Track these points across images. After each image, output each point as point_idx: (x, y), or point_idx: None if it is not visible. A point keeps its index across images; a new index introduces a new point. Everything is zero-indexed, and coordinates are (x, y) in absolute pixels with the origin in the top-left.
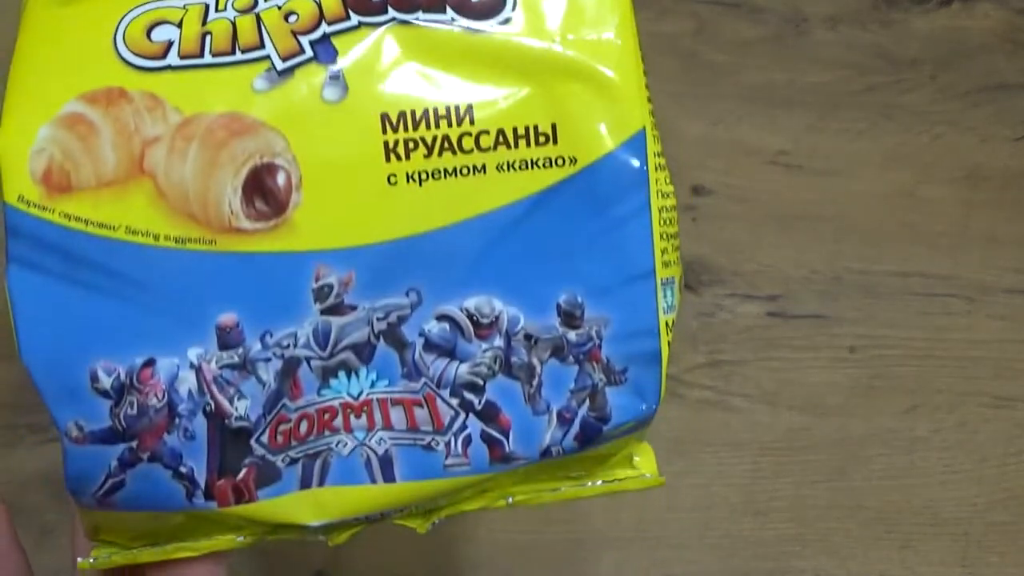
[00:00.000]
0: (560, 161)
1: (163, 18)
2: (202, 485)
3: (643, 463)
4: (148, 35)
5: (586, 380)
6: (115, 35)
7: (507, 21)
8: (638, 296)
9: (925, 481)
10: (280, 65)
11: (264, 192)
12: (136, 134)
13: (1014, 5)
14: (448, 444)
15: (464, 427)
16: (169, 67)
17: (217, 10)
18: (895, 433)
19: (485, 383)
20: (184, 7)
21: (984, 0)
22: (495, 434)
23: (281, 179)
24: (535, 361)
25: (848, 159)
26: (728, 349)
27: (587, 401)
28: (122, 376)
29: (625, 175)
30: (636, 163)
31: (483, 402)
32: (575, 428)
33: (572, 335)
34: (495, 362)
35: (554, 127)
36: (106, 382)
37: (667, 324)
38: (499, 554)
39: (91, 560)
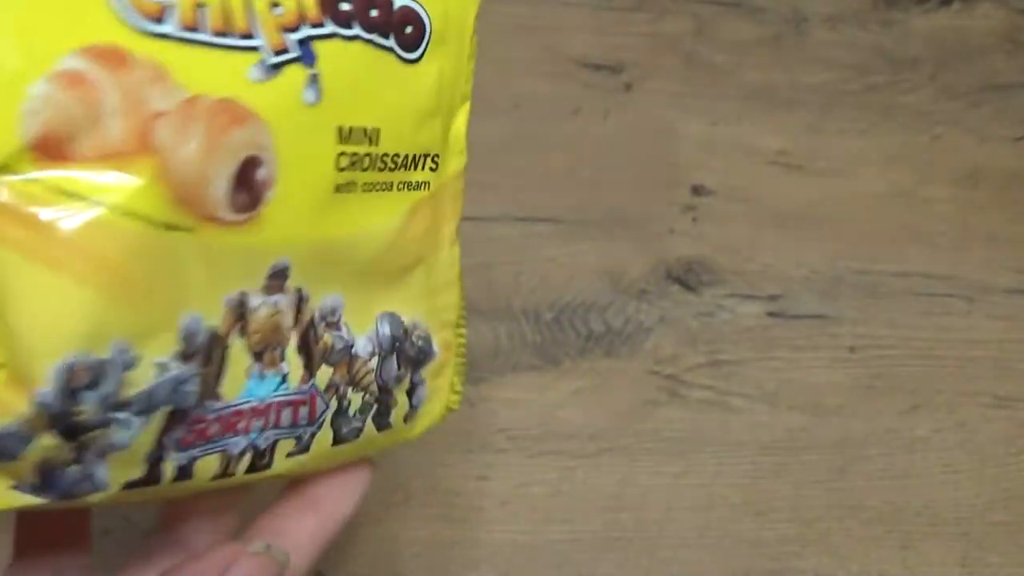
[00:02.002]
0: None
1: None
2: None
3: None
4: None
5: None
6: None
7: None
8: None
9: (925, 481)
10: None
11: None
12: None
13: (1014, 5)
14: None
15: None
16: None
17: None
18: (895, 433)
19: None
20: None
21: (984, 0)
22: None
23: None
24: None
25: (848, 159)
26: (728, 349)
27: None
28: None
29: None
30: None
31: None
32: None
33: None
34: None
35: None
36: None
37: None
38: (499, 554)
39: None
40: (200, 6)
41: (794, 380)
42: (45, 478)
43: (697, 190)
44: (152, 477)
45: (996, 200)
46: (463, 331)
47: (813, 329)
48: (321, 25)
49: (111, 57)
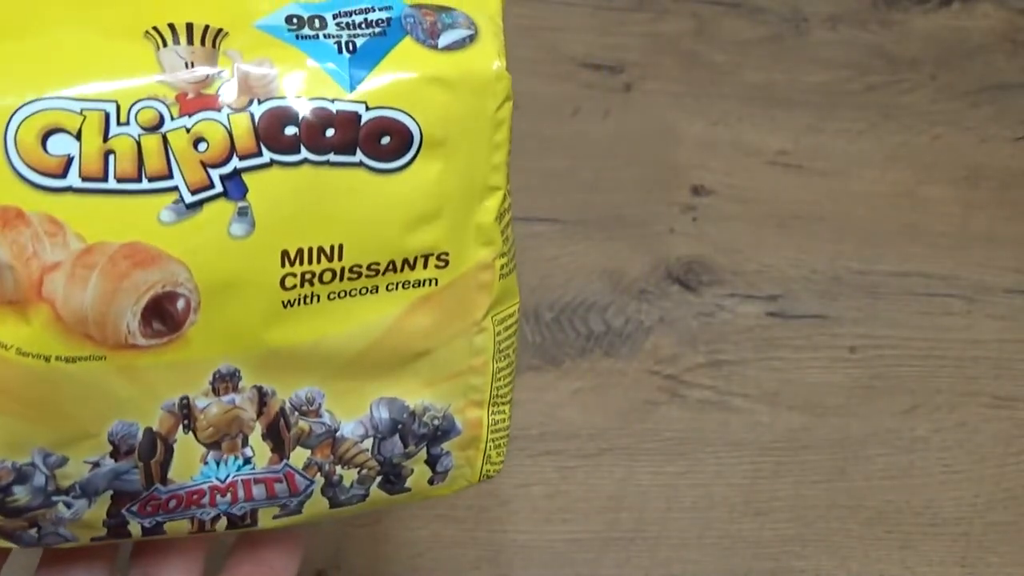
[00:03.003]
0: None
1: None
2: None
3: None
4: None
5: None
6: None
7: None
8: None
9: (925, 481)
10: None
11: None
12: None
13: (1014, 5)
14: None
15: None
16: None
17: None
18: (895, 433)
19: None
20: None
21: (984, 0)
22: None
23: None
24: None
25: (848, 159)
26: (728, 349)
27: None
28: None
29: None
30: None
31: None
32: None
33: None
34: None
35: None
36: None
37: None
38: (499, 554)
39: None
40: (108, 152)
41: (794, 380)
42: (8, 536)
43: (697, 190)
44: (119, 534)
45: (996, 200)
46: (505, 408)
47: (813, 329)
48: (255, 155)
49: (4, 216)
